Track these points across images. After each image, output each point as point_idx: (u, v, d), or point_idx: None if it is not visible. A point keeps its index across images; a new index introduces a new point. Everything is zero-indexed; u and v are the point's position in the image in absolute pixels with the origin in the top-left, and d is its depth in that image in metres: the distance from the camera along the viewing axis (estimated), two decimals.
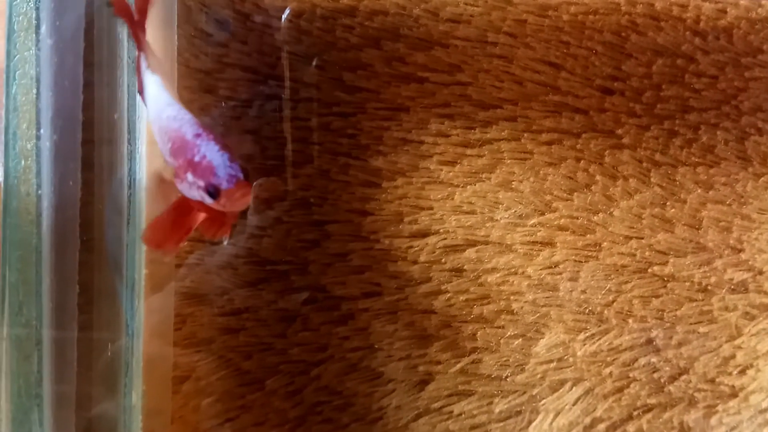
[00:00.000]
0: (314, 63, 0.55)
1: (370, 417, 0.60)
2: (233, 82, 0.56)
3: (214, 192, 0.37)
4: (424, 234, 0.58)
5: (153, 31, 0.56)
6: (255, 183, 0.56)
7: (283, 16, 0.50)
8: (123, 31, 0.51)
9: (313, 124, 0.56)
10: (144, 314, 0.55)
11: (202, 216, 0.40)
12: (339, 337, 0.58)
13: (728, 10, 0.55)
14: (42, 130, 0.41)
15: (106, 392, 0.54)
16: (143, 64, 0.41)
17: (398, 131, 0.56)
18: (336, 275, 0.58)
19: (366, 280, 0.58)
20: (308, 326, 0.58)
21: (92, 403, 0.52)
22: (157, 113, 0.38)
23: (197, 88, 0.57)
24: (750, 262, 0.56)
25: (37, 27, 0.40)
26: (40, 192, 0.41)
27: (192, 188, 0.37)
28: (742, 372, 0.57)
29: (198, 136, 0.38)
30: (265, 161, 0.56)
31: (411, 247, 0.58)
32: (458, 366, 0.59)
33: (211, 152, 0.37)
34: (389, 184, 0.57)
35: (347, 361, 0.59)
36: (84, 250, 0.48)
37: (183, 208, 0.40)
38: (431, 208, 0.57)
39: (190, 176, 0.37)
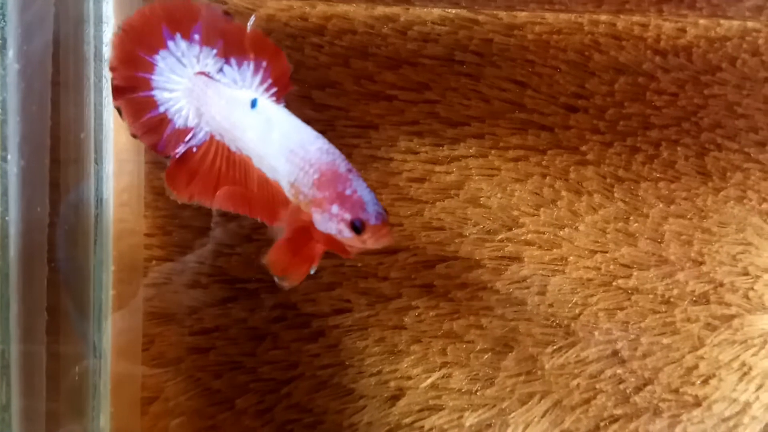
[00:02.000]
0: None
1: None
2: None
3: (360, 226, 0.37)
4: (393, 250, 0.58)
5: None
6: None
7: (249, 24, 0.50)
8: (90, 50, 0.51)
9: None
10: (111, 335, 0.55)
11: (321, 247, 0.40)
12: (309, 355, 0.58)
13: (688, 29, 0.56)
14: (9, 155, 0.41)
15: (74, 415, 0.53)
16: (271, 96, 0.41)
17: (367, 148, 0.57)
18: (306, 292, 0.58)
19: (336, 297, 0.58)
20: (278, 344, 0.58)
21: (60, 427, 0.51)
22: (301, 144, 0.38)
23: None
24: (711, 275, 0.57)
25: (4, 51, 0.40)
26: (7, 218, 0.41)
27: (332, 220, 0.38)
28: (705, 382, 0.58)
29: (350, 171, 0.38)
30: None
31: (381, 263, 0.58)
32: (429, 381, 0.59)
33: (361, 188, 0.38)
34: None
35: (318, 379, 0.59)
36: (51, 272, 0.47)
37: (302, 236, 0.40)
38: (401, 225, 0.58)
39: (335, 208, 0.37)
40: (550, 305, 0.58)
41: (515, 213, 0.57)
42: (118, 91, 0.39)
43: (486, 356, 0.58)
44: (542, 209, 0.57)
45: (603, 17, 0.56)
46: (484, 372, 0.59)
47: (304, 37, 0.56)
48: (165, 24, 0.39)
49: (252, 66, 0.40)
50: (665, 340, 0.57)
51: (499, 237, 0.57)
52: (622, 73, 0.55)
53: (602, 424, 0.59)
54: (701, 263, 0.57)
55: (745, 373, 0.58)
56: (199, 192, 0.39)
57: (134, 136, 0.39)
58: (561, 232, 0.57)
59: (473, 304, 0.58)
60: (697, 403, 0.58)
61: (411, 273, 0.58)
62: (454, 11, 0.56)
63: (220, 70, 0.40)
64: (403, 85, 0.56)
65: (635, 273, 0.57)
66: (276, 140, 0.39)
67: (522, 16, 0.56)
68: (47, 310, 0.46)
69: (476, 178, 0.57)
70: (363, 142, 0.56)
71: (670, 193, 0.56)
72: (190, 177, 0.39)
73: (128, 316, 0.55)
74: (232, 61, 0.40)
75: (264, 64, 0.39)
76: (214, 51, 0.39)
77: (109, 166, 0.54)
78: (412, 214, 0.57)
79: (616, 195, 0.56)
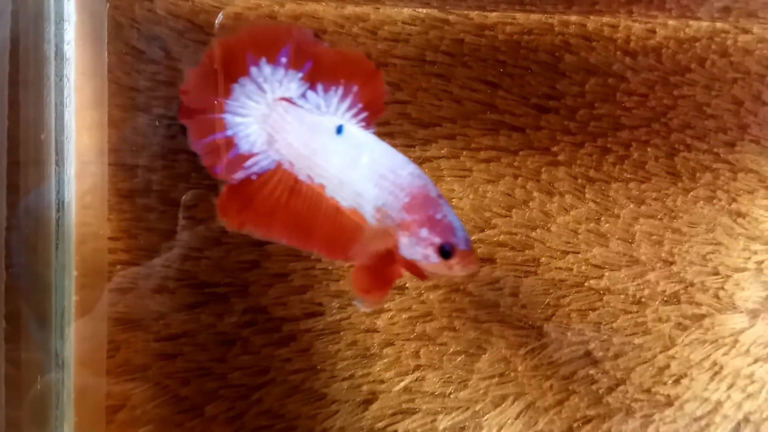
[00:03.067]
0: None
1: None
2: (167, 100, 0.55)
3: (449, 251, 0.38)
4: None
5: (81, 48, 0.54)
6: (184, 197, 0.54)
7: (217, 21, 0.49)
8: (50, 49, 0.49)
9: None
10: (75, 342, 0.53)
11: (401, 271, 0.40)
12: (280, 360, 0.57)
13: (657, 30, 0.57)
14: None
15: (37, 424, 0.52)
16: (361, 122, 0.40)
17: None
18: (277, 296, 0.57)
19: (308, 300, 0.57)
20: (248, 349, 0.57)
21: None
22: (392, 169, 0.38)
23: (129, 107, 0.55)
24: (681, 274, 0.57)
25: None
26: None
27: (419, 244, 0.38)
28: (677, 381, 0.59)
29: (440, 196, 0.39)
30: (201, 180, 0.55)
31: (353, 265, 0.57)
32: (402, 384, 0.58)
33: (450, 214, 0.38)
34: None
35: (289, 384, 0.58)
36: (9, 278, 0.46)
37: (383, 259, 0.39)
38: None
39: (425, 232, 0.38)
40: (523, 306, 0.57)
41: (487, 214, 0.57)
42: (186, 112, 0.39)
43: (459, 358, 0.58)
44: (514, 210, 0.57)
45: (573, 18, 0.56)
46: (457, 374, 0.58)
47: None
48: (250, 51, 0.38)
49: (340, 91, 0.39)
50: (637, 341, 0.58)
51: (472, 238, 0.57)
52: (593, 74, 0.55)
53: (575, 425, 0.59)
54: (672, 263, 0.57)
55: (716, 373, 0.58)
56: (251, 221, 0.39)
57: (195, 154, 0.39)
58: (533, 233, 0.57)
59: (446, 306, 0.57)
60: (669, 403, 0.59)
61: None
62: (424, 11, 0.55)
63: (303, 95, 0.39)
64: None
65: (607, 273, 0.57)
66: (365, 165, 0.38)
67: (493, 16, 0.55)
68: (6, 317, 0.44)
69: (448, 179, 0.56)
70: None
71: (640, 193, 0.56)
72: (244, 205, 0.38)
73: (92, 322, 0.53)
74: (318, 87, 0.39)
75: (355, 88, 0.39)
76: (300, 74, 0.39)
77: (71, 168, 0.52)
78: None
79: (587, 196, 0.56)
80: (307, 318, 0.57)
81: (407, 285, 0.57)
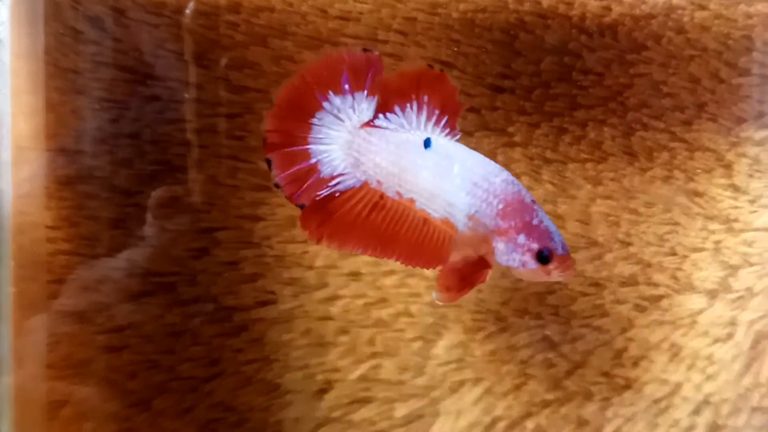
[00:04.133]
0: (223, 62, 0.53)
1: (267, 431, 0.57)
2: (108, 83, 0.52)
3: (547, 256, 0.38)
4: None
5: (17, 29, 0.51)
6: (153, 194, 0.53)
7: (187, 10, 0.47)
8: None
9: (197, 125, 0.53)
10: (12, 336, 0.51)
11: (487, 276, 0.41)
12: (232, 350, 0.56)
13: (613, 7, 0.55)
14: None
15: None
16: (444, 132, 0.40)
17: None
18: (227, 285, 0.55)
19: (259, 289, 0.55)
20: (198, 340, 0.55)
21: None
22: (485, 176, 0.39)
23: (68, 89, 0.53)
24: (639, 255, 0.57)
25: None
26: None
27: (516, 251, 0.38)
28: (636, 364, 0.58)
29: (533, 202, 0.39)
30: (145, 166, 0.53)
31: (306, 252, 0.56)
32: (358, 372, 0.57)
33: (546, 219, 0.39)
34: None
35: (241, 375, 0.56)
36: None
37: (477, 265, 0.40)
38: None
39: (522, 238, 0.38)
40: (480, 291, 0.56)
41: None
42: (271, 147, 0.39)
43: (416, 345, 0.57)
44: None
45: None
46: (414, 361, 0.57)
47: (219, 15, 0.53)
48: (315, 88, 0.38)
49: (415, 106, 0.39)
50: (595, 323, 0.57)
51: None
52: (548, 53, 0.54)
53: (534, 409, 0.58)
54: (629, 244, 0.56)
55: (674, 354, 0.58)
56: (331, 234, 0.39)
57: (276, 185, 0.39)
58: None
59: (402, 292, 0.56)
60: (628, 386, 0.58)
61: (337, 261, 0.56)
62: None
63: (384, 116, 0.39)
64: None
65: None
66: (457, 175, 0.39)
67: None
68: None
69: None
70: None
71: (597, 174, 0.56)
72: (324, 219, 0.39)
73: (31, 315, 0.51)
74: (396, 108, 0.39)
75: (426, 98, 0.39)
76: (365, 93, 0.39)
77: (6, 154, 0.50)
78: None
79: (544, 177, 0.55)
80: (259, 307, 0.55)
81: (362, 271, 0.56)
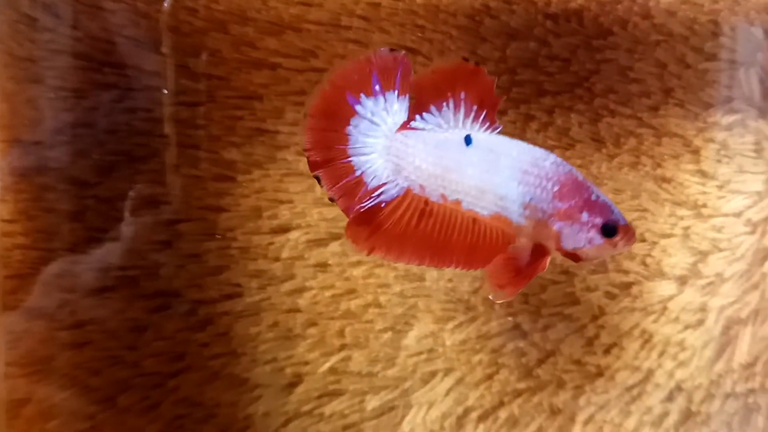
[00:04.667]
0: (203, 57, 0.52)
1: (236, 427, 0.56)
2: (64, 71, 0.51)
3: (612, 228, 0.38)
4: (285, 229, 0.55)
5: None
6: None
7: (165, 2, 0.46)
8: None
9: (157, 115, 0.52)
10: None
11: (546, 264, 0.40)
12: (197, 345, 0.55)
13: None
14: None
15: None
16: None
17: (252, 121, 0.53)
18: (191, 278, 0.54)
19: (224, 281, 0.54)
20: (162, 335, 0.54)
21: None
22: (534, 162, 0.38)
23: (23, 78, 0.51)
24: None
25: None
26: None
27: (582, 229, 0.38)
28: (607, 351, 0.58)
29: (585, 179, 0.39)
30: (104, 157, 0.52)
31: (272, 243, 0.55)
32: (327, 365, 0.56)
33: (601, 193, 0.39)
34: (245, 177, 0.54)
35: (208, 370, 0.55)
36: None
37: (536, 254, 0.40)
38: (291, 202, 0.54)
39: (585, 216, 0.38)
40: (450, 280, 0.56)
41: None
42: (315, 165, 0.39)
43: (386, 336, 0.56)
44: None
45: None
46: (384, 352, 0.56)
47: (177, 1, 0.52)
48: (348, 92, 0.38)
49: (452, 103, 0.38)
50: (566, 311, 0.57)
51: None
52: (514, 39, 0.54)
53: (506, 399, 0.57)
54: None
55: (646, 341, 0.58)
56: (380, 245, 0.39)
57: (331, 200, 0.38)
58: None
59: (370, 282, 0.55)
60: (600, 373, 0.58)
61: (304, 252, 0.55)
62: None
63: (421, 117, 0.38)
64: (287, 52, 0.53)
65: None
66: (505, 166, 0.38)
67: None
68: None
69: None
70: (247, 113, 0.53)
71: (565, 160, 0.55)
72: (373, 231, 0.39)
73: None
74: (432, 108, 0.38)
75: (462, 94, 0.38)
76: (395, 92, 0.38)
77: None
78: (303, 189, 0.54)
79: None
80: (225, 300, 0.54)
81: (329, 262, 0.55)
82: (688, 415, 0.59)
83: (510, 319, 0.57)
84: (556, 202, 0.38)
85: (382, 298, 0.56)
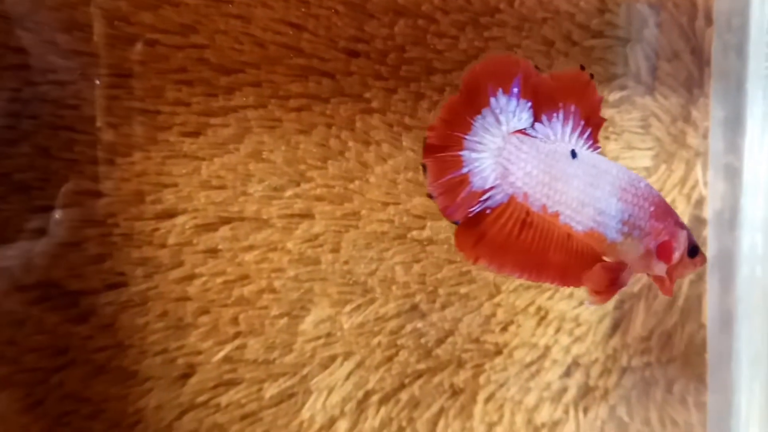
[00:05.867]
0: (138, 47, 0.49)
1: (127, 422, 0.54)
2: None
3: (696, 249, 0.40)
4: (170, 214, 0.53)
5: None
6: None
7: None
8: None
9: (25, 94, 0.49)
10: None
11: (630, 275, 0.41)
12: (81, 337, 0.52)
13: None
14: None
15: None
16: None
17: (129, 100, 0.51)
18: (70, 267, 0.51)
19: (107, 270, 0.52)
20: (42, 328, 0.51)
21: None
22: (631, 182, 0.39)
23: None
24: None
25: None
26: None
27: (678, 249, 0.40)
28: (504, 329, 0.58)
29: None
30: None
31: (157, 229, 0.52)
32: (221, 354, 0.55)
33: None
34: (124, 160, 0.51)
35: (93, 363, 0.53)
36: None
37: (622, 266, 0.40)
38: (176, 185, 0.52)
39: (682, 236, 0.40)
40: (345, 262, 0.55)
41: (302, 167, 0.53)
42: (430, 150, 0.38)
43: (282, 322, 0.55)
44: (330, 162, 0.54)
45: None
46: (281, 339, 0.55)
47: None
48: (491, 81, 0.38)
49: (562, 115, 0.39)
50: (462, 290, 0.57)
51: (287, 193, 0.54)
52: (402, 15, 0.53)
53: (407, 380, 0.57)
54: None
55: (542, 318, 0.58)
56: (485, 254, 0.39)
57: (429, 195, 0.38)
58: (351, 185, 0.54)
59: (263, 267, 0.54)
60: (499, 351, 0.58)
61: (192, 238, 0.53)
62: None
63: (532, 126, 0.39)
64: (165, 27, 0.50)
65: (429, 223, 0.55)
66: (606, 182, 0.39)
67: None
68: None
69: (257, 130, 0.52)
70: (123, 92, 0.50)
71: None
72: (479, 238, 0.38)
73: None
74: (543, 117, 0.39)
75: (573, 108, 0.39)
76: (529, 104, 0.38)
77: None
78: (188, 172, 0.52)
79: (404, 144, 0.54)
80: (108, 290, 0.52)
81: (220, 247, 0.53)
82: (586, 390, 0.60)
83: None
84: (653, 222, 0.40)
85: (277, 283, 0.55)
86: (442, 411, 0.58)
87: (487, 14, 0.54)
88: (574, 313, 0.59)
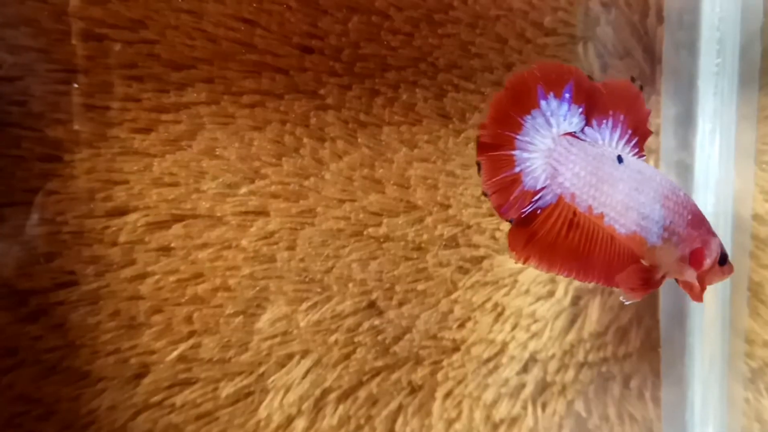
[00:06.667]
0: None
1: (80, 423, 0.53)
2: None
3: (725, 257, 0.41)
4: (121, 211, 0.52)
5: None
6: None
7: None
8: None
9: None
10: None
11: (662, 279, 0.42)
12: (30, 338, 0.51)
13: None
14: None
15: None
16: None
17: (78, 96, 0.50)
18: (19, 266, 0.50)
19: (57, 269, 0.51)
20: None
21: None
22: (672, 190, 0.41)
23: None
24: (458, 217, 0.57)
25: None
26: None
27: (709, 256, 0.41)
28: (462, 325, 0.58)
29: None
30: None
31: (107, 227, 0.52)
32: (175, 353, 0.54)
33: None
34: (73, 156, 0.50)
35: (43, 364, 0.52)
36: None
37: (655, 269, 0.42)
38: (127, 182, 0.52)
39: (714, 244, 0.41)
40: (302, 260, 0.55)
41: (256, 164, 0.53)
42: (483, 148, 0.39)
43: (237, 320, 0.54)
44: (285, 158, 0.53)
45: None
46: (236, 337, 0.55)
47: None
48: (541, 84, 0.39)
49: (611, 122, 0.40)
50: (420, 287, 0.57)
51: (242, 191, 0.53)
52: (356, 12, 0.53)
53: (365, 378, 0.57)
54: (448, 206, 0.56)
55: (499, 314, 0.59)
56: (536, 254, 0.40)
57: (484, 194, 0.39)
58: (306, 182, 0.54)
59: (218, 265, 0.54)
60: (456, 348, 0.58)
61: (144, 236, 0.52)
62: None
63: (582, 130, 0.40)
64: (114, 22, 0.50)
65: (385, 220, 0.55)
66: (650, 188, 0.40)
67: None
68: None
69: (210, 126, 0.52)
70: (72, 89, 0.49)
71: (412, 136, 0.55)
72: (530, 238, 0.39)
73: None
74: (593, 122, 0.40)
75: (622, 117, 0.40)
76: (580, 109, 0.39)
77: None
78: (139, 169, 0.52)
79: (359, 140, 0.54)
80: (58, 289, 0.51)
81: (173, 245, 0.53)
82: (544, 386, 0.61)
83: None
84: (690, 229, 0.41)
85: (231, 281, 0.54)
86: (400, 408, 0.58)
87: (441, 11, 0.54)
88: (530, 309, 0.59)
